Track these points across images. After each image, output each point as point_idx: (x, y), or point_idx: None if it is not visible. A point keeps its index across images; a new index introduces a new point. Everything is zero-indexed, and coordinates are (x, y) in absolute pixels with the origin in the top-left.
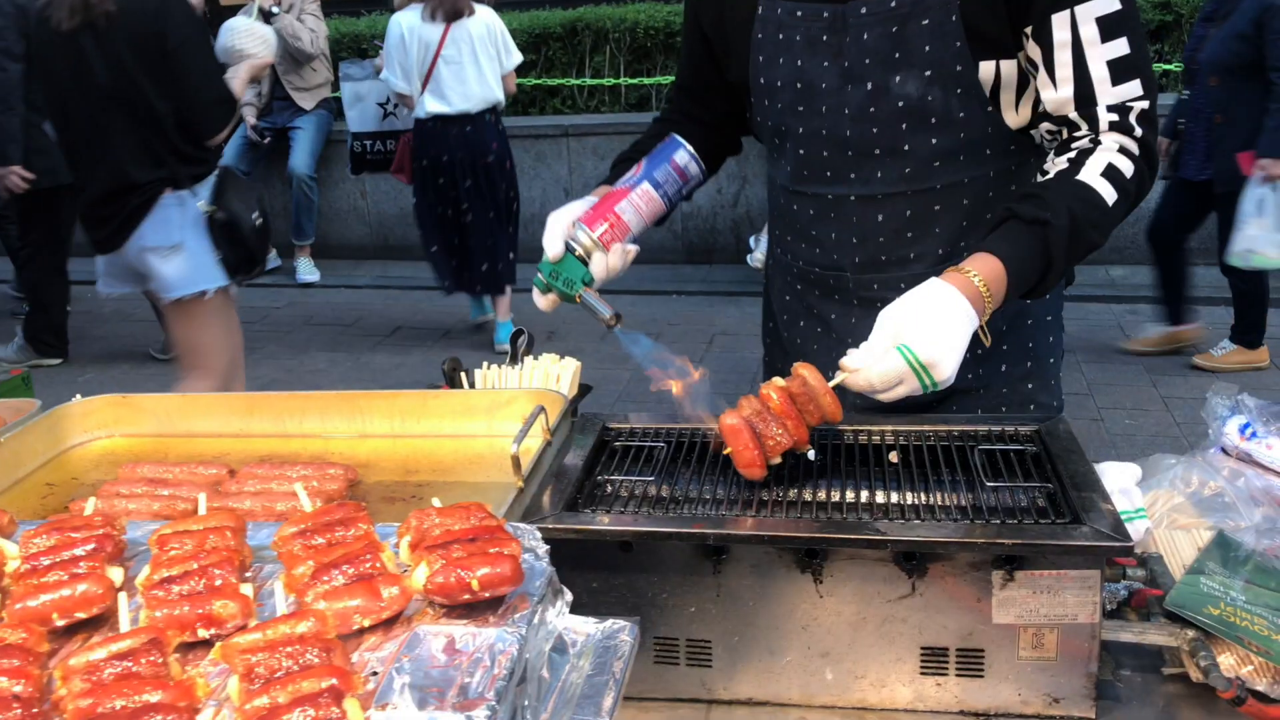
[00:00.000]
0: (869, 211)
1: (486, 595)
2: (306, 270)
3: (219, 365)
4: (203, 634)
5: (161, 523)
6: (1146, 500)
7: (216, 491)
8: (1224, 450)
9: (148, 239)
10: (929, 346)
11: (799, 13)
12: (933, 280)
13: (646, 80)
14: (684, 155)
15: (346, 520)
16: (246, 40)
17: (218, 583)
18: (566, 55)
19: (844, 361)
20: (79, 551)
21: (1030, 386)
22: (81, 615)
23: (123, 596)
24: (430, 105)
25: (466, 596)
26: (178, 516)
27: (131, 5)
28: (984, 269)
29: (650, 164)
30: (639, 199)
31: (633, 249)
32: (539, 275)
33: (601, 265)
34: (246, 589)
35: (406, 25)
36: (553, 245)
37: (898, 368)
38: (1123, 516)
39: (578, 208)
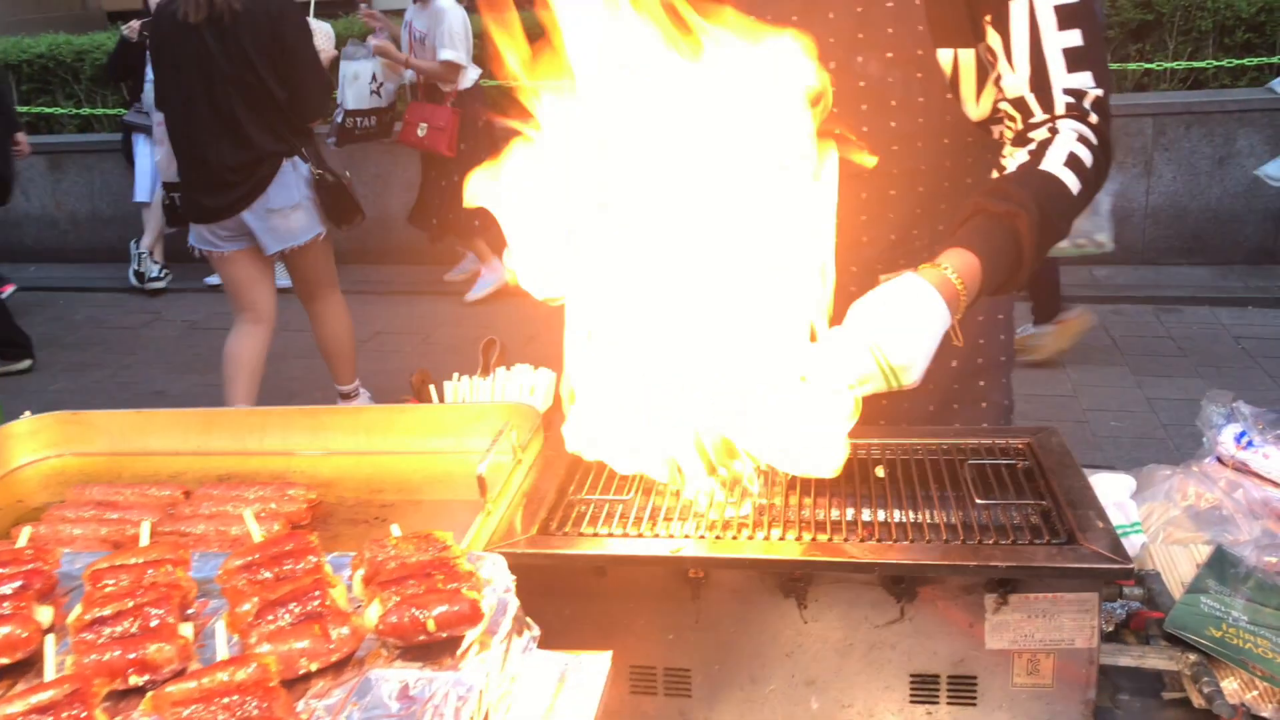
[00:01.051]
0: None
1: (444, 635)
2: (281, 275)
3: (337, 286)
4: (135, 681)
5: (102, 553)
6: (1142, 513)
7: (169, 515)
8: (1220, 460)
9: (272, 201)
10: (901, 350)
11: None
12: (909, 276)
13: None
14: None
15: (296, 552)
16: (316, 39)
17: (154, 623)
18: None
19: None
20: (4, 590)
21: (981, 384)
22: (4, 660)
23: (50, 640)
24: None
25: (422, 637)
26: (127, 542)
27: (256, 6)
28: (959, 265)
29: None
30: None
31: None
32: None
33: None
34: (186, 629)
35: (460, 9)
36: None
37: (867, 369)
38: (1118, 531)
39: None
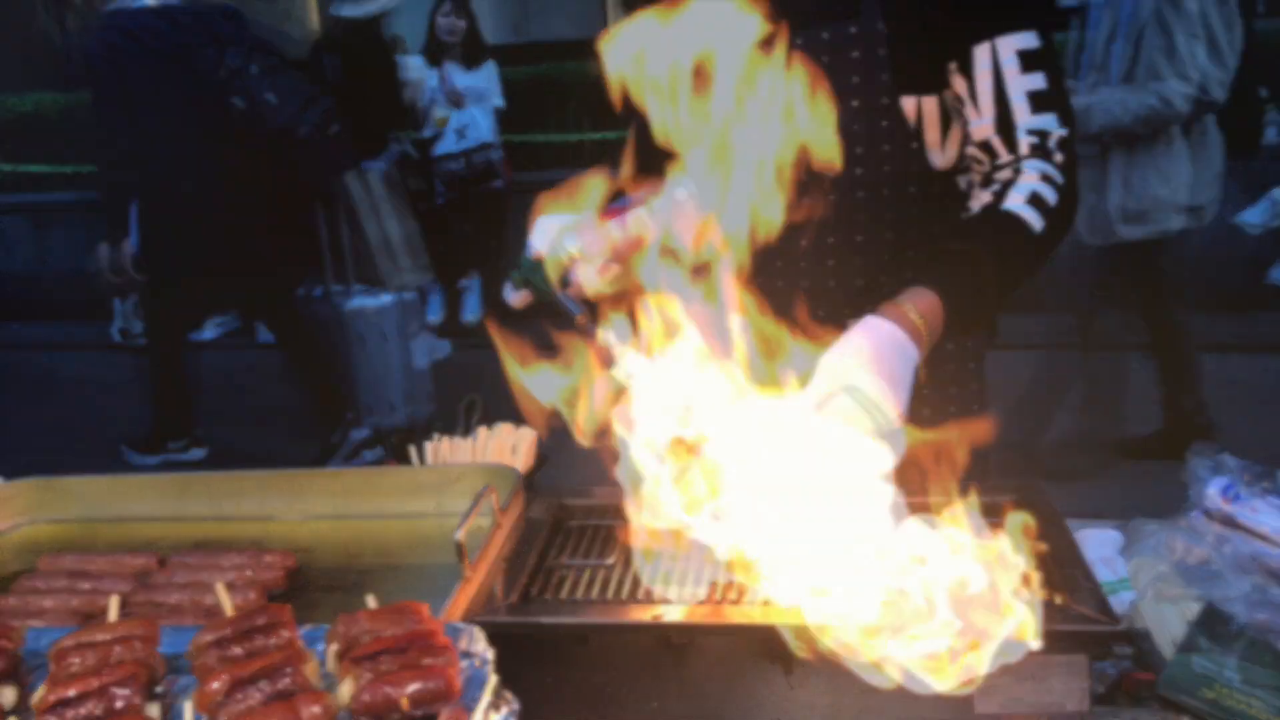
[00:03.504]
0: (793, 238)
1: (419, 713)
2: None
3: None
4: None
5: (69, 629)
6: (1130, 569)
7: (143, 584)
8: (1206, 513)
9: None
10: (876, 383)
11: None
12: (868, 319)
13: (611, 135)
14: (683, 192)
15: (269, 626)
16: None
17: (119, 704)
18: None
19: None
20: None
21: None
22: None
23: None
24: None
25: (396, 715)
26: (99, 614)
27: None
28: (920, 304)
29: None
30: (632, 224)
31: (615, 267)
32: (515, 272)
33: (581, 274)
34: (153, 710)
35: None
36: (539, 243)
37: (848, 411)
38: (1106, 589)
39: (568, 217)
